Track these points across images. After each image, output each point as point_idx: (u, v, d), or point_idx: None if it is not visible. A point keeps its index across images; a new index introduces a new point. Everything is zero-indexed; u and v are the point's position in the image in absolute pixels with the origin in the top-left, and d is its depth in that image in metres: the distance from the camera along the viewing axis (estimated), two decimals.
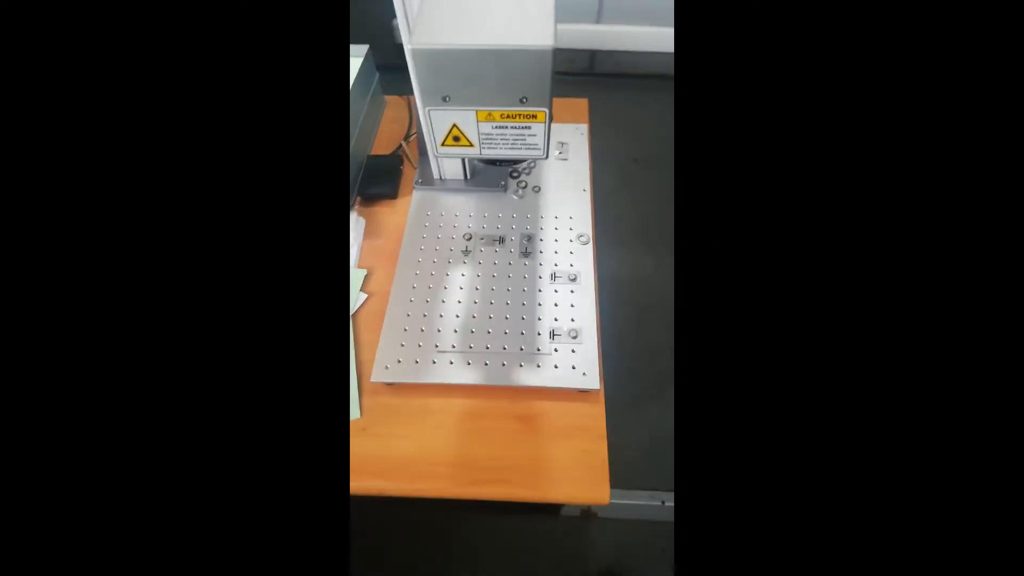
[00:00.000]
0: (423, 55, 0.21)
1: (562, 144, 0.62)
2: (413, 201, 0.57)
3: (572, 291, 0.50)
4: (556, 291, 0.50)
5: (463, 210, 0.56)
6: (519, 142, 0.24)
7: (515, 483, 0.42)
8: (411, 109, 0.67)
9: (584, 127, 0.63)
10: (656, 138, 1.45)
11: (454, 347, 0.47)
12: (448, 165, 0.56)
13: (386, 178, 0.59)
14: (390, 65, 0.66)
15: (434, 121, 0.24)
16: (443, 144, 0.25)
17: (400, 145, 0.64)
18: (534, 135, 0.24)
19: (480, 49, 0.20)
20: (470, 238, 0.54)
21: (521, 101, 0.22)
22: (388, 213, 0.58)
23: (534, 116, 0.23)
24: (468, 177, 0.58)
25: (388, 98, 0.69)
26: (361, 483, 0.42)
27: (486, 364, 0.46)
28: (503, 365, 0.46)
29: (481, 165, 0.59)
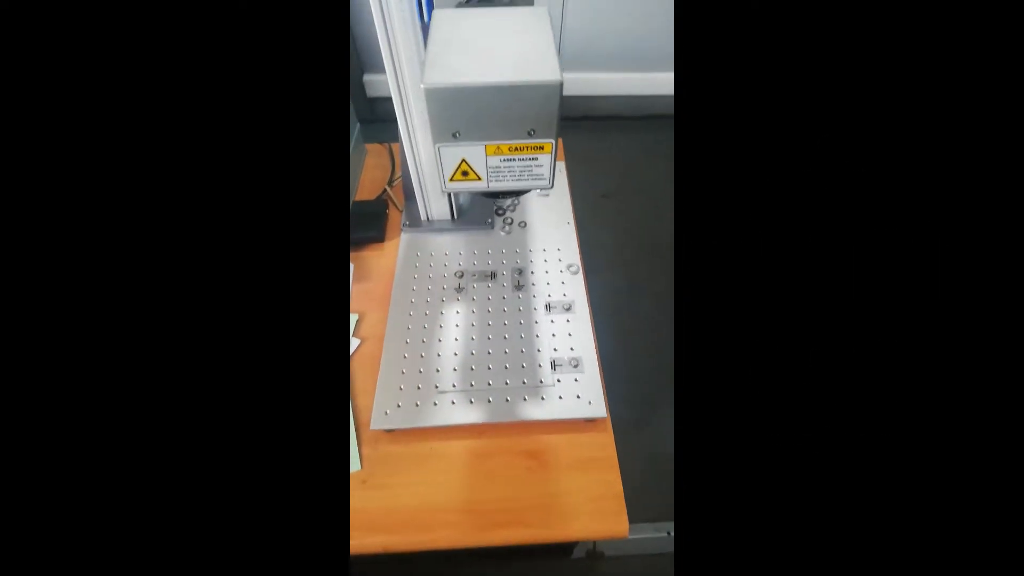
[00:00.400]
0: (437, 93, 0.21)
1: None
2: (402, 243, 0.57)
3: (568, 320, 0.50)
4: (552, 321, 0.50)
5: (452, 249, 0.57)
6: (526, 173, 0.25)
7: (529, 524, 0.40)
8: (393, 155, 0.68)
9: (561, 164, 0.66)
10: (619, 174, 1.53)
11: (455, 386, 0.45)
12: (436, 206, 0.57)
13: (373, 222, 0.59)
14: (362, 118, 0.68)
15: (444, 157, 0.24)
16: (452, 179, 0.25)
17: (385, 190, 0.64)
18: (540, 166, 0.25)
19: (492, 86, 0.21)
20: (462, 275, 0.54)
21: (529, 134, 0.23)
22: (376, 256, 0.58)
23: (541, 147, 0.24)
24: (455, 216, 0.59)
25: (368, 146, 0.71)
26: (364, 540, 0.40)
27: (489, 401, 0.45)
28: (507, 401, 0.45)
29: (468, 204, 0.60)
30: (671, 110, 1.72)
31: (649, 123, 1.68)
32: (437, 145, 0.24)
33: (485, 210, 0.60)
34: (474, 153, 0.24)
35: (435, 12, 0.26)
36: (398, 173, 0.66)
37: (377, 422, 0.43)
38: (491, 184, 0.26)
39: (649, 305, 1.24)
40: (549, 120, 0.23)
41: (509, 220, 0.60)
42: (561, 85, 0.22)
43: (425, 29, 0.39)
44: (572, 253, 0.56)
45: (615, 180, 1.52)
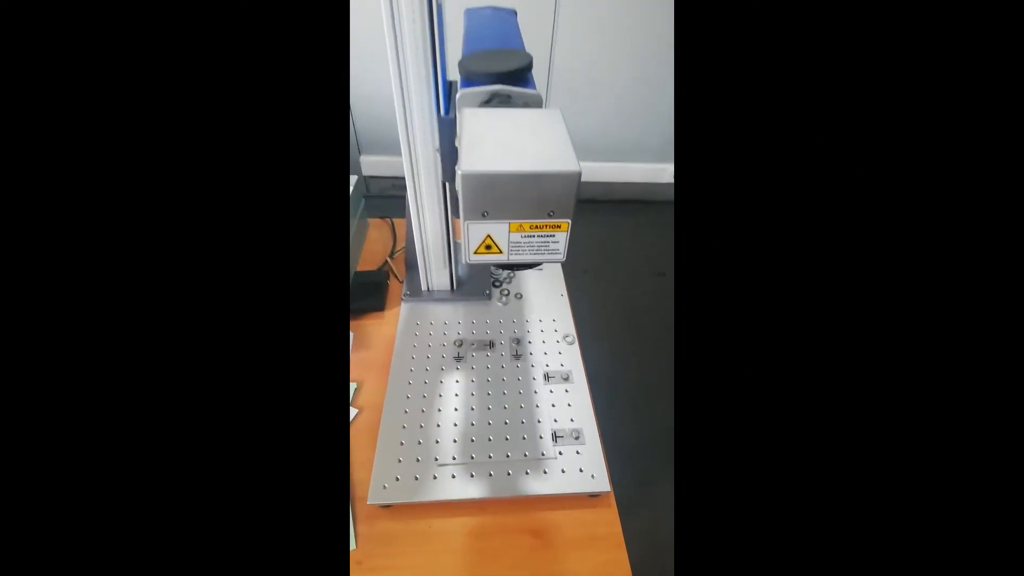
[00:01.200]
0: (472, 178, 0.24)
1: None
2: (402, 312, 0.58)
3: (567, 390, 0.51)
4: (551, 391, 0.50)
5: (452, 318, 0.58)
6: (543, 248, 0.28)
7: None
8: (395, 229, 0.72)
9: None
10: (596, 252, 1.62)
11: (455, 459, 0.45)
12: (437, 276, 0.59)
13: (374, 292, 0.61)
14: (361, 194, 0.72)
15: (471, 233, 0.26)
16: (475, 252, 0.28)
17: (386, 261, 0.67)
18: (556, 242, 0.27)
19: (521, 173, 0.24)
20: (461, 344, 0.55)
21: (549, 214, 0.26)
22: (376, 325, 0.59)
23: (558, 226, 0.27)
24: (455, 287, 0.61)
25: (370, 220, 0.74)
26: None
27: (490, 475, 0.44)
28: (508, 475, 0.44)
29: (466, 275, 0.62)
30: (642, 195, 1.85)
31: (621, 206, 1.82)
32: (467, 223, 0.26)
33: (483, 281, 0.62)
34: (499, 230, 0.27)
35: (465, 110, 0.30)
36: (400, 245, 0.69)
37: (375, 496, 0.42)
38: (511, 257, 0.28)
39: (635, 374, 1.26)
40: (568, 203, 0.26)
41: (506, 291, 0.62)
42: (579, 174, 0.25)
43: (441, 122, 0.44)
44: (567, 324, 0.58)
45: (594, 258, 1.61)
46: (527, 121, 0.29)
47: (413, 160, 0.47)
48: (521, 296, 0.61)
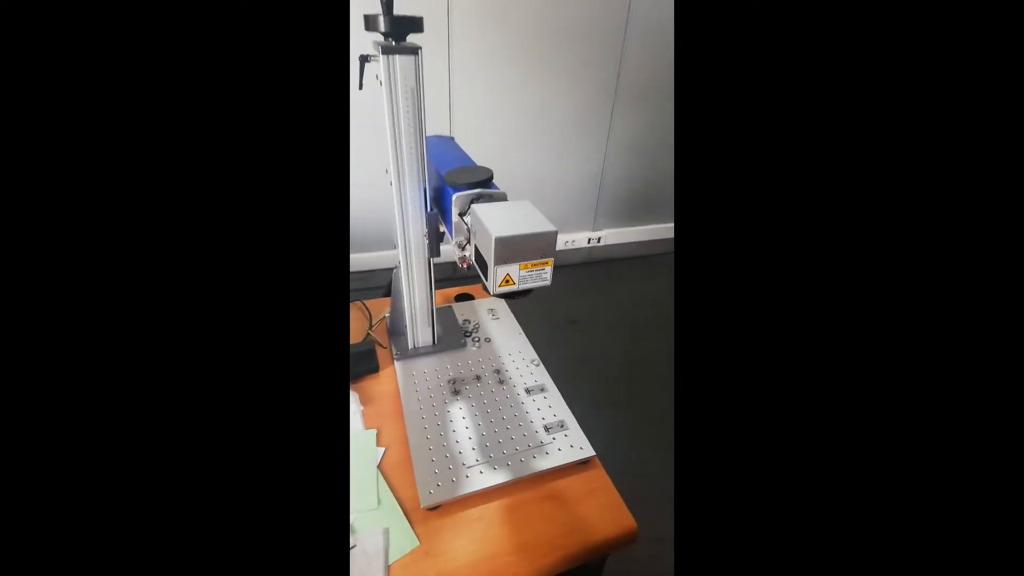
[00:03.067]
0: (502, 240, 0.43)
1: (491, 310, 0.85)
2: (398, 369, 0.71)
3: (544, 397, 0.67)
4: (534, 400, 0.66)
5: (440, 366, 0.72)
6: (538, 278, 0.46)
7: (567, 545, 0.51)
8: (368, 309, 0.84)
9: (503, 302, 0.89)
10: (585, 306, 1.89)
11: (478, 460, 0.57)
12: (422, 335, 0.73)
13: (367, 359, 0.72)
14: None
15: (498, 274, 0.44)
16: (499, 286, 0.45)
17: (368, 333, 0.79)
18: (546, 272, 0.46)
19: (528, 234, 0.43)
20: (454, 381, 0.69)
21: (542, 255, 0.46)
22: (375, 385, 0.70)
23: (546, 263, 0.46)
24: (435, 342, 0.75)
25: None
26: None
27: (508, 464, 0.57)
28: (521, 461, 0.58)
29: (442, 332, 0.77)
30: (622, 254, 2.19)
31: (602, 266, 2.17)
32: (496, 267, 0.44)
33: (456, 334, 0.77)
34: (513, 269, 0.45)
35: (473, 206, 0.49)
36: (376, 317, 0.82)
37: (425, 500, 0.52)
38: (520, 285, 0.46)
39: (619, 414, 1.46)
40: (552, 248, 0.45)
41: (476, 339, 0.78)
42: (556, 232, 0.45)
43: (427, 216, 0.62)
44: (530, 352, 0.76)
45: (580, 310, 1.88)
46: (512, 208, 0.49)
47: (407, 245, 0.64)
48: (489, 339, 0.78)
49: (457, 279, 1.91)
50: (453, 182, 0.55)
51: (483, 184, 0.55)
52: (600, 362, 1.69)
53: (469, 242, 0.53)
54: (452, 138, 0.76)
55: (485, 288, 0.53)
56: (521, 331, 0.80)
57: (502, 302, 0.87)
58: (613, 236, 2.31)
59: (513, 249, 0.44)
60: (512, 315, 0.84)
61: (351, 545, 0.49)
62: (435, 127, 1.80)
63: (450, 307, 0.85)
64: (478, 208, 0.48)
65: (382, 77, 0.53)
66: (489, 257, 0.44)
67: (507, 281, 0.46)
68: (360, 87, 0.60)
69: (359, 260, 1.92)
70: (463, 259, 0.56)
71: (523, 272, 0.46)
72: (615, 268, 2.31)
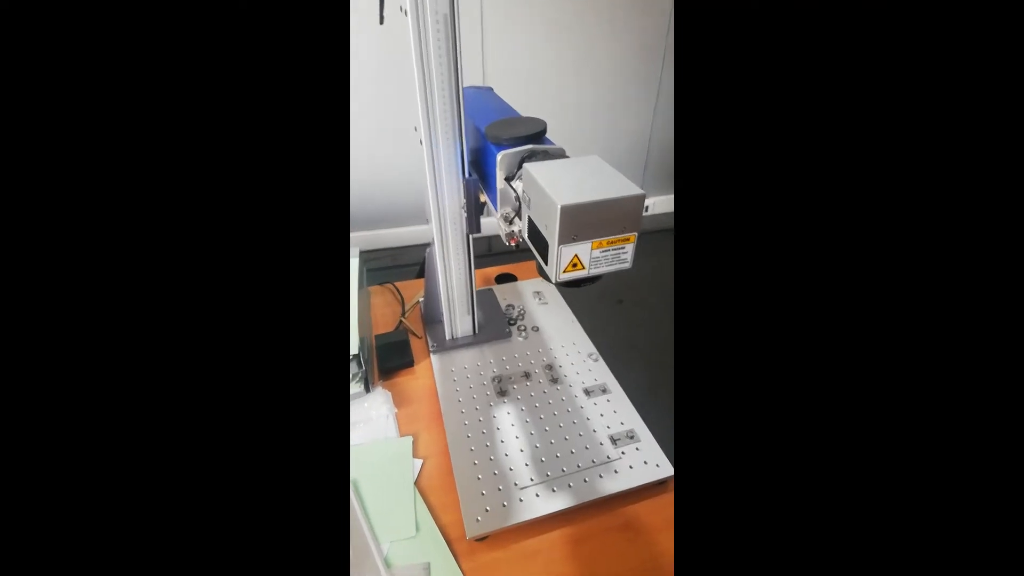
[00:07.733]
0: (567, 209, 0.31)
1: (538, 293, 0.74)
2: (434, 364, 0.61)
3: (608, 400, 0.56)
4: (595, 404, 0.56)
5: (482, 359, 0.62)
6: (615, 259, 0.35)
7: None
8: (399, 292, 0.75)
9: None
10: (627, 285, 1.75)
11: (532, 480, 0.48)
12: (461, 324, 0.63)
13: (402, 350, 0.63)
14: None
15: (563, 255, 0.33)
16: (564, 271, 0.34)
17: (400, 321, 0.70)
18: (626, 252, 0.34)
19: (603, 200, 0.31)
20: (499, 379, 0.59)
21: (622, 229, 0.33)
22: (411, 380, 0.61)
23: (628, 239, 0.34)
24: (476, 332, 0.65)
25: (371, 288, 0.77)
26: None
27: (569, 486, 0.47)
28: (585, 481, 0.47)
29: (484, 320, 0.67)
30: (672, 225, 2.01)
31: (650, 238, 2.01)
32: (560, 247, 0.33)
33: (499, 323, 0.67)
34: (583, 249, 0.33)
35: (526, 166, 0.37)
36: (409, 302, 0.72)
37: (472, 530, 0.43)
38: (591, 271, 0.35)
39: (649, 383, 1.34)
40: (637, 219, 0.33)
41: (523, 327, 0.67)
42: (644, 195, 0.32)
43: (466, 182, 0.51)
44: (587, 344, 0.64)
45: (624, 288, 1.75)
46: (577, 166, 0.37)
47: (441, 219, 0.53)
48: (537, 329, 0.67)
49: (496, 255, 1.80)
50: (496, 137, 0.44)
51: (535, 138, 0.43)
52: (647, 348, 1.55)
53: (519, 214, 0.41)
54: (491, 88, 0.64)
55: (541, 272, 0.42)
56: (574, 318, 0.69)
57: (551, 283, 0.76)
58: (662, 204, 2.12)
59: (584, 222, 0.32)
60: (562, 299, 0.73)
61: None
62: (466, 78, 1.65)
63: (491, 290, 0.74)
64: (533, 168, 0.36)
65: (407, 5, 0.41)
66: (552, 233, 0.33)
67: (575, 265, 0.34)
68: (381, 21, 0.48)
69: (390, 236, 1.83)
70: (510, 235, 0.45)
71: (596, 253, 0.34)
72: (663, 241, 2.13)
